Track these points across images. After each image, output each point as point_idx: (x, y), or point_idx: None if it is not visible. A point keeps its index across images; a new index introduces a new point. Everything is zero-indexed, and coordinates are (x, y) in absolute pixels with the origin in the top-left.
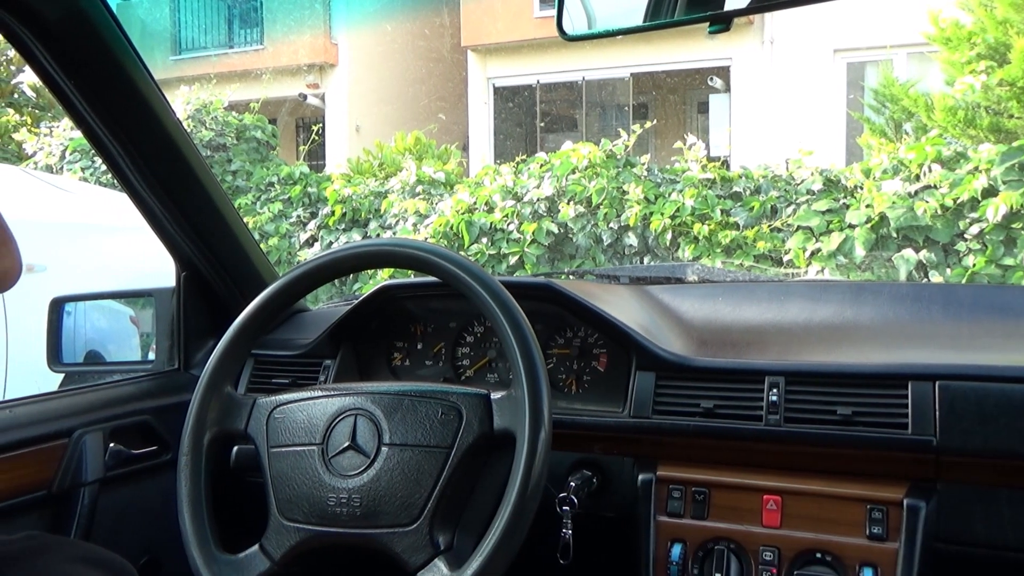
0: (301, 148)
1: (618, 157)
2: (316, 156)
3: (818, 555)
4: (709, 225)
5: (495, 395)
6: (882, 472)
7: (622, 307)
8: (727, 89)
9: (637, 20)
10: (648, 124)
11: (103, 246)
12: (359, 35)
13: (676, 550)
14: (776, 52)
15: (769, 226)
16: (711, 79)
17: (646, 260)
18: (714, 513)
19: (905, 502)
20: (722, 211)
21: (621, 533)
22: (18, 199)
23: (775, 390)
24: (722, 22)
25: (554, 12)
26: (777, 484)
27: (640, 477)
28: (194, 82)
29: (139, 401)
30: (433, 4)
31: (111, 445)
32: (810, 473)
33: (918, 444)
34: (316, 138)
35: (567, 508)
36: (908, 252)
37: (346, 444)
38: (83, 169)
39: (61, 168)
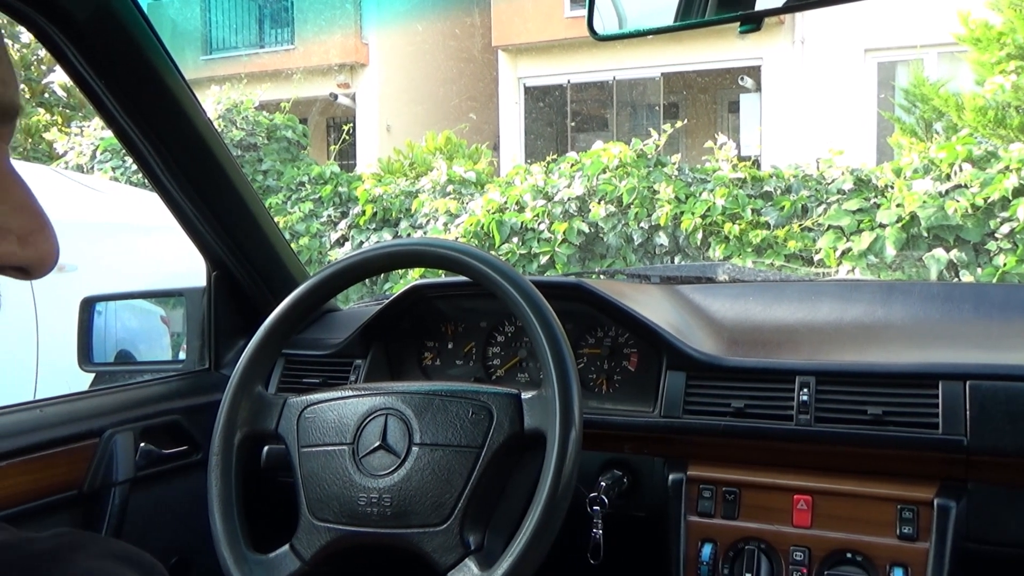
0: (332, 148)
1: (649, 157)
2: (347, 156)
3: (848, 555)
4: (740, 224)
5: (526, 395)
6: (912, 472)
7: (653, 307)
8: (758, 89)
9: (668, 20)
10: (679, 124)
11: (134, 246)
12: (390, 35)
13: (706, 550)
14: (807, 52)
15: (800, 225)
16: (742, 79)
17: (677, 260)
18: (744, 513)
19: (936, 502)
20: (753, 210)
21: (651, 533)
22: (49, 199)
23: (806, 390)
24: (753, 22)
25: (585, 12)
26: (808, 484)
27: (671, 477)
28: (225, 82)
29: (169, 401)
30: (464, 4)
31: (142, 445)
32: (841, 473)
33: (949, 444)
34: (347, 138)
35: (597, 508)
36: (939, 251)
37: (377, 444)
38: (113, 169)
39: (92, 168)
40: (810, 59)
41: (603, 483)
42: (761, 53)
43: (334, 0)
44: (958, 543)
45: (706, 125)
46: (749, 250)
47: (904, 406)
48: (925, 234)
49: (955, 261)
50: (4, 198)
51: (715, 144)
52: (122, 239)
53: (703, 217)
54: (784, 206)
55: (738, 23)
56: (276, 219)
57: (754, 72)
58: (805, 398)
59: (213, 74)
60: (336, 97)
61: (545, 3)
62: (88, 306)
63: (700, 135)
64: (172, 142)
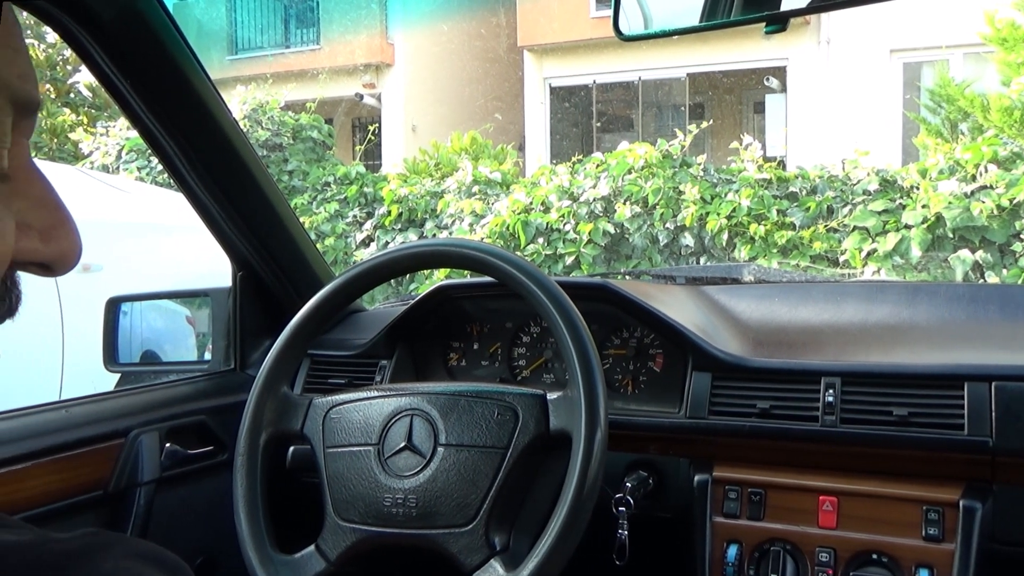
0: (357, 148)
1: (674, 157)
2: (372, 156)
3: (874, 556)
4: (765, 225)
5: (551, 395)
6: (938, 473)
7: (678, 307)
8: (783, 89)
9: (693, 20)
10: (704, 124)
11: (160, 245)
12: (415, 35)
13: (732, 551)
14: (832, 52)
15: (825, 226)
16: (767, 79)
17: (702, 260)
18: (770, 514)
19: (961, 503)
20: (778, 211)
21: (677, 534)
22: (74, 198)
23: (831, 391)
24: (779, 22)
25: (610, 12)
26: (833, 485)
27: (696, 478)
28: (250, 82)
29: (195, 401)
30: (489, 4)
31: (167, 445)
32: (866, 474)
33: (974, 445)
34: (372, 138)
35: (623, 509)
36: (964, 253)
37: (402, 444)
38: (139, 168)
39: (117, 168)
40: (836, 60)
41: (628, 484)
42: (787, 54)
43: (360, 0)
44: (983, 544)
45: (732, 126)
46: (775, 251)
47: (929, 407)
48: (951, 235)
49: (981, 262)
50: (25, 194)
51: (740, 145)
52: (148, 239)
53: (728, 218)
54: (810, 207)
55: (764, 24)
56: (302, 219)
57: (780, 73)
58: (831, 399)
59: (239, 74)
60: (362, 97)
61: (571, 3)
62: (113, 306)
63: (726, 136)
64: (198, 142)
